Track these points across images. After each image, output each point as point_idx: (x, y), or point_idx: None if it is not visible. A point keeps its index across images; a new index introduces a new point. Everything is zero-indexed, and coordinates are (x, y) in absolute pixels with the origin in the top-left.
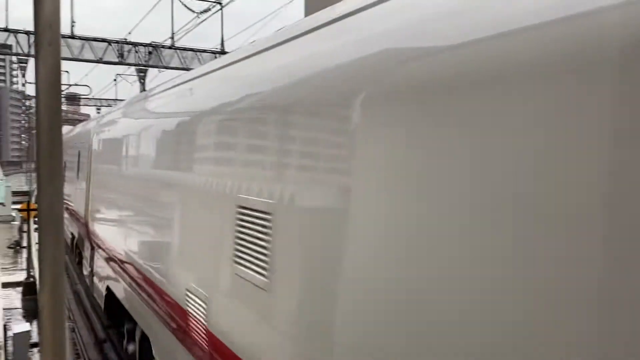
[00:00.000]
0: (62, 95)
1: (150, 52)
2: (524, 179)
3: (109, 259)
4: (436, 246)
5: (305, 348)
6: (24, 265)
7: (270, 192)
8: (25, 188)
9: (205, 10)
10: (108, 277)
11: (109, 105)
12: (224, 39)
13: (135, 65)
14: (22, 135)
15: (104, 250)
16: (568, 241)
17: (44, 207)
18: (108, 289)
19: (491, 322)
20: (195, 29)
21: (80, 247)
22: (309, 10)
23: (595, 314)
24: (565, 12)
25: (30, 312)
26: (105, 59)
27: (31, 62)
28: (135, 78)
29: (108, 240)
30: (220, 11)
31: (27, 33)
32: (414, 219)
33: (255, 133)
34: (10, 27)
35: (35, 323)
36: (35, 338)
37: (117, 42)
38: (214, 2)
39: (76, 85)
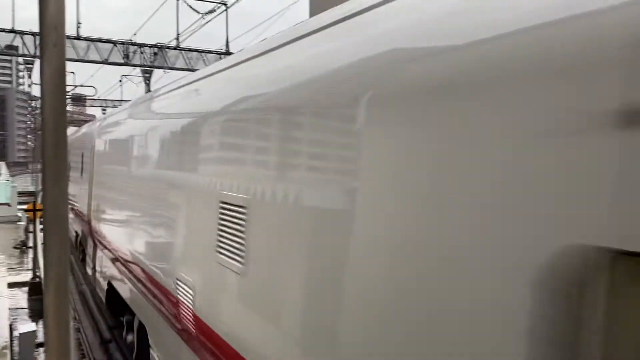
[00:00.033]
0: (68, 96)
1: (155, 53)
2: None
3: (110, 255)
4: (392, 238)
5: (274, 324)
6: (30, 266)
7: (246, 188)
8: (31, 189)
9: (211, 11)
10: (109, 272)
11: (115, 106)
12: (229, 39)
13: (140, 66)
14: (28, 136)
15: (104, 246)
16: None
17: (49, 207)
18: (109, 283)
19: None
20: (200, 29)
21: (83, 244)
22: (314, 10)
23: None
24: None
25: (36, 312)
26: (111, 60)
27: (37, 63)
28: (141, 79)
29: (108, 237)
30: (225, 12)
31: (33, 34)
32: (371, 213)
33: (234, 135)
34: (16, 28)
35: (41, 323)
36: (41, 338)
37: (122, 43)
38: (219, 2)
39: (82, 86)
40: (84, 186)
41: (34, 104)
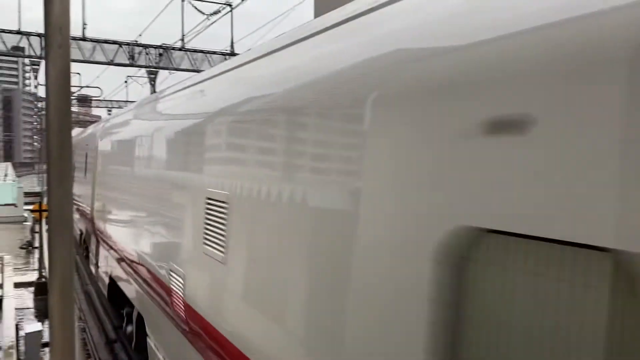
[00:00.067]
0: (74, 97)
1: (160, 54)
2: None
3: (111, 251)
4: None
5: (250, 306)
6: (36, 266)
7: (227, 185)
8: (37, 189)
9: (216, 12)
10: (110, 268)
11: (120, 107)
12: (234, 40)
13: (145, 67)
14: (35, 137)
15: (106, 243)
16: None
17: (53, 208)
18: (110, 278)
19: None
20: (205, 30)
21: (87, 242)
22: (319, 11)
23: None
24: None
25: (42, 312)
26: (116, 61)
27: (43, 64)
28: (146, 80)
29: (109, 234)
30: (230, 13)
31: (39, 35)
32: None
33: (218, 137)
34: (22, 29)
35: (47, 323)
36: (47, 338)
37: (128, 44)
38: (224, 3)
39: (87, 87)
40: (88, 186)
41: (40, 104)
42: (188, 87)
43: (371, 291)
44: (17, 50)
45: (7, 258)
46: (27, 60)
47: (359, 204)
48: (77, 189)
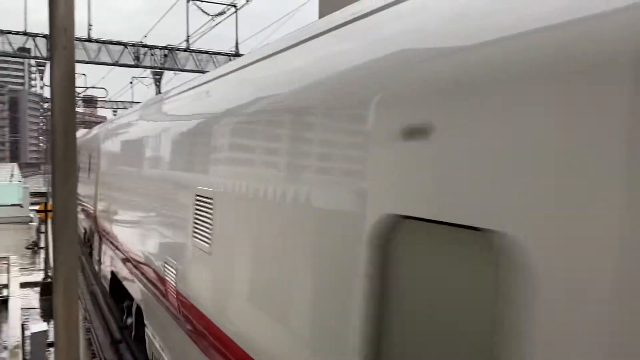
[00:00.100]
0: (79, 98)
1: (165, 55)
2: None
3: (112, 247)
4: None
5: (232, 293)
6: (42, 266)
7: (213, 183)
8: (43, 189)
9: (220, 13)
10: (112, 263)
11: (125, 108)
12: (239, 41)
13: (151, 68)
14: (40, 138)
15: (108, 239)
16: None
17: (58, 210)
18: (112, 273)
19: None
20: (210, 31)
21: (90, 240)
22: (323, 11)
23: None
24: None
25: (48, 312)
26: (122, 61)
27: (49, 65)
28: (152, 80)
29: (110, 231)
30: (235, 14)
31: (45, 36)
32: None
33: (204, 138)
34: (29, 30)
35: (52, 323)
36: (52, 337)
37: (133, 45)
38: (229, 4)
39: (93, 87)
40: (91, 186)
41: (45, 105)
42: (179, 93)
43: (321, 269)
44: (23, 52)
45: (13, 258)
46: (33, 62)
47: (310, 197)
48: (82, 189)
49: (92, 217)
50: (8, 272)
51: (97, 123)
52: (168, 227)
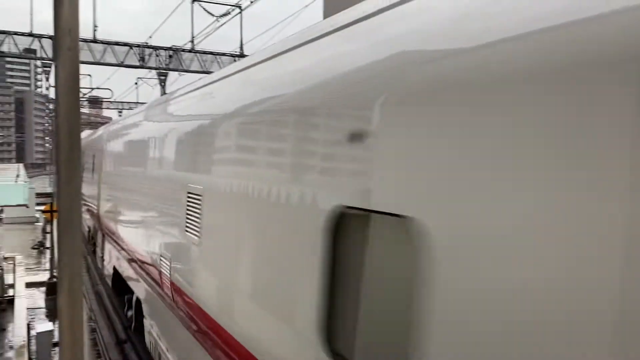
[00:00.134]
0: (85, 99)
1: (170, 56)
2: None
3: (113, 244)
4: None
5: (215, 276)
6: (47, 266)
7: (202, 181)
8: (49, 190)
9: (225, 14)
10: (113, 259)
11: (130, 109)
12: (243, 42)
13: (156, 68)
14: (46, 138)
15: (110, 236)
16: None
17: (62, 210)
18: (114, 268)
19: None
20: (215, 32)
21: (94, 237)
22: (328, 12)
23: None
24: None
25: (54, 312)
26: (127, 62)
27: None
28: (156, 81)
29: (112, 228)
30: (239, 14)
31: (51, 37)
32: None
33: (197, 137)
34: (34, 31)
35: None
36: (58, 337)
37: (138, 46)
38: (234, 5)
39: (98, 88)
40: (95, 185)
41: (51, 106)
42: (173, 98)
43: (286, 252)
44: (29, 53)
45: (19, 258)
46: (38, 62)
47: (279, 191)
48: (86, 189)
49: (96, 215)
50: (14, 272)
51: (103, 124)
52: (164, 222)
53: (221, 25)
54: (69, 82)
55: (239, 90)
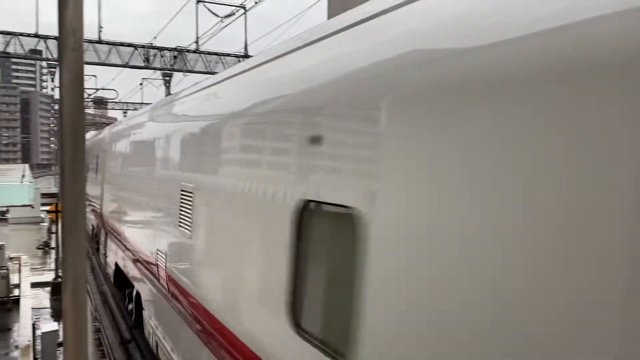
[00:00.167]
0: (90, 100)
1: (175, 57)
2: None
3: (115, 241)
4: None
5: (208, 271)
6: (53, 266)
7: (193, 179)
8: (54, 190)
9: (229, 15)
10: (115, 255)
11: (135, 109)
12: (248, 42)
13: (160, 69)
14: (51, 139)
15: (112, 234)
16: None
17: (66, 210)
18: (115, 264)
19: None
20: (219, 33)
21: (98, 235)
22: (332, 12)
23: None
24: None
25: (59, 312)
26: (132, 63)
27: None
28: (161, 82)
29: (113, 226)
30: (244, 15)
31: (56, 38)
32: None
33: (191, 138)
34: (40, 31)
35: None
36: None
37: (143, 46)
38: (238, 6)
39: (103, 89)
40: (99, 185)
41: (56, 107)
42: (169, 102)
43: (262, 240)
44: (35, 54)
45: (24, 258)
46: (44, 63)
47: (258, 188)
48: (90, 189)
49: (99, 214)
50: (19, 272)
51: (108, 124)
52: (161, 218)
53: (226, 25)
54: (74, 83)
55: (226, 95)
